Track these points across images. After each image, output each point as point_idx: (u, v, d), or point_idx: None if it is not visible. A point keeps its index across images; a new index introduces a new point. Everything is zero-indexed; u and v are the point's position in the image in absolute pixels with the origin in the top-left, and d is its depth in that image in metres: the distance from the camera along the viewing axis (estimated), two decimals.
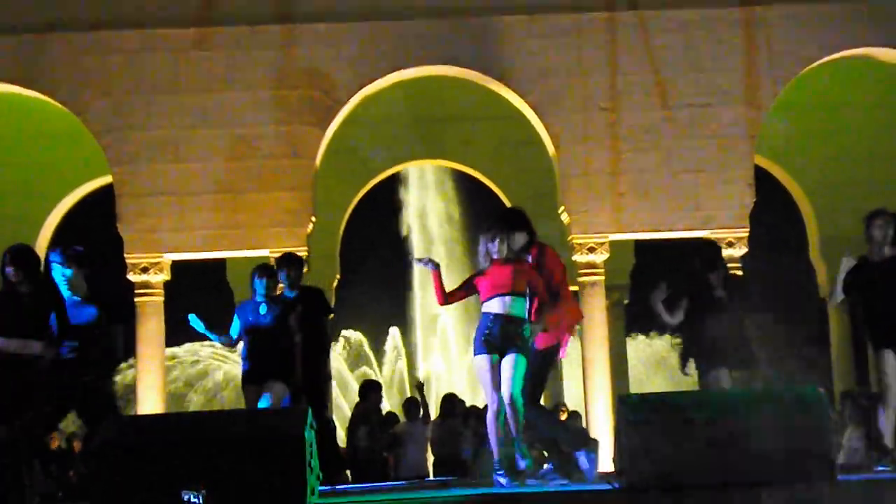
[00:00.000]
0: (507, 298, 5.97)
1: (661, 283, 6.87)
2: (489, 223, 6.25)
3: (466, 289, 6.19)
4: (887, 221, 6.54)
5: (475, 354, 6.05)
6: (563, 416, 11.05)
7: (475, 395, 16.56)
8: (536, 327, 6.09)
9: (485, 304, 6.06)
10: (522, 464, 5.97)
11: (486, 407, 10.75)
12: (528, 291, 6.04)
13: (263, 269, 7.34)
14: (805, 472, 4.93)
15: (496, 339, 5.96)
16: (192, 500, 4.17)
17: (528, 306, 6.05)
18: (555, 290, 6.19)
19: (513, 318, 5.98)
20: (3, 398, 5.92)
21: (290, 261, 7.60)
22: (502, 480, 5.91)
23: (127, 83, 10.49)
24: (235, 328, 7.29)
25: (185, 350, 19.46)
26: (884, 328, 6.49)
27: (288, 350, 7.12)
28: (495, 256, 6.05)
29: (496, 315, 5.98)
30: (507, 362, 5.98)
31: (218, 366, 19.38)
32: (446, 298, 6.18)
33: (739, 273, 9.97)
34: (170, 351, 18.64)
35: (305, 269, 10.38)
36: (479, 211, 16.85)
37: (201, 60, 10.52)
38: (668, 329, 7.03)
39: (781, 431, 4.93)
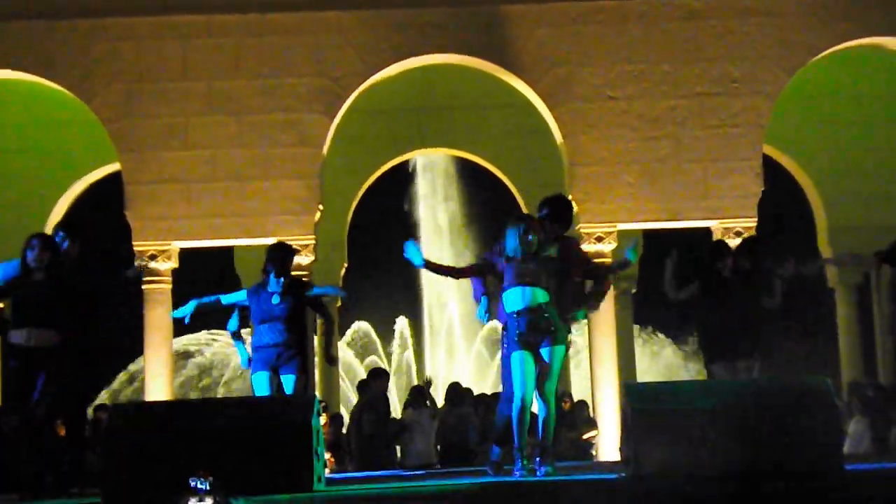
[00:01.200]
0: (529, 289, 5.97)
1: (673, 251, 6.90)
2: (519, 215, 6.30)
3: (481, 266, 6.21)
4: None
5: (510, 352, 6.05)
6: (567, 406, 11.05)
7: (482, 384, 16.57)
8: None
9: (505, 292, 6.07)
10: (542, 470, 5.97)
11: (494, 395, 10.81)
12: (552, 283, 6.06)
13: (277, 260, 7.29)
14: (812, 462, 4.92)
15: (527, 334, 5.98)
16: (200, 486, 4.19)
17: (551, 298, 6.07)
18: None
19: (536, 308, 5.98)
20: (21, 386, 6.04)
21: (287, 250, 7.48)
22: (517, 473, 5.92)
23: (135, 70, 10.49)
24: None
25: (198, 338, 19.45)
26: None
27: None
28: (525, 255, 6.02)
29: (518, 312, 5.99)
30: (545, 358, 5.99)
31: (230, 354, 19.38)
32: (458, 273, 6.24)
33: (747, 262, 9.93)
34: (188, 338, 18.66)
35: (312, 258, 10.43)
36: (487, 200, 16.82)
37: (210, 48, 10.51)
38: (672, 305, 7.02)
39: (788, 421, 4.93)
